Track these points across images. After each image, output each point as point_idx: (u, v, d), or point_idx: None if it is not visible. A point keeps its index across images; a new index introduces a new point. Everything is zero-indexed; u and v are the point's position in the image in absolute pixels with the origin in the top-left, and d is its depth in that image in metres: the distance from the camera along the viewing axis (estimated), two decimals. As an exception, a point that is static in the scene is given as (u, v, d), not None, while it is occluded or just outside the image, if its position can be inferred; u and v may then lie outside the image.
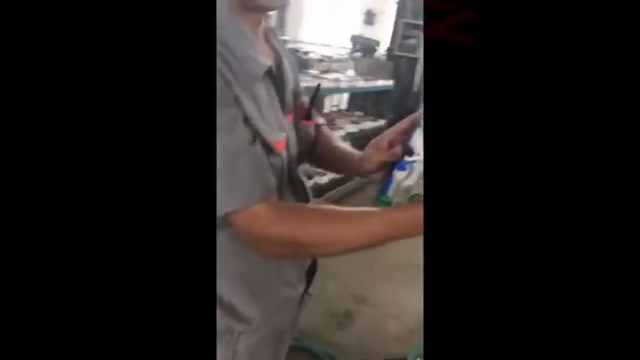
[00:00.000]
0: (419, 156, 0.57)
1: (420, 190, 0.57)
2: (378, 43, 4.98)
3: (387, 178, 0.60)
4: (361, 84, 3.27)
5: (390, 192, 0.60)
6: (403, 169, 0.59)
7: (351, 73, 3.52)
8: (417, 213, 0.49)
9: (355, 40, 4.90)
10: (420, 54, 4.22)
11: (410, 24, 4.37)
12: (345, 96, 4.11)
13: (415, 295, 2.00)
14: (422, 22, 4.22)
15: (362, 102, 3.90)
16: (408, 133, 0.59)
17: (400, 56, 4.38)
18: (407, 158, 0.58)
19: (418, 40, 4.27)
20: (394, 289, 2.03)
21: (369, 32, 5.22)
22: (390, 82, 3.65)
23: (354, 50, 4.92)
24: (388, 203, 0.60)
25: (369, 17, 5.53)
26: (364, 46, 4.82)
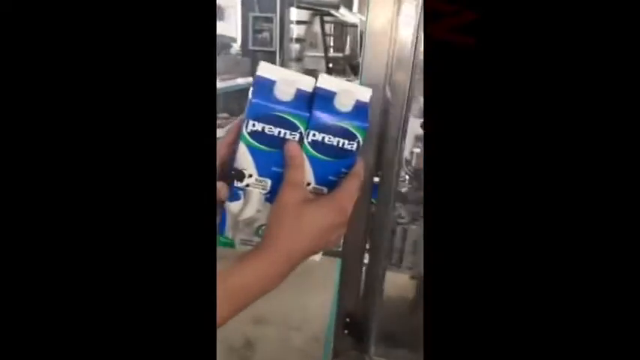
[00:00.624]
0: (251, 178, 0.45)
1: (265, 220, 0.46)
2: (234, 40, 4.76)
3: (222, 212, 0.47)
4: (219, 85, 3.06)
5: (228, 230, 0.48)
6: (236, 198, 0.46)
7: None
8: (258, 264, 0.39)
9: (206, 37, 4.61)
10: (275, 46, 4.14)
11: (260, 17, 4.26)
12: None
13: (312, 300, 1.92)
14: (272, 15, 4.26)
15: (225, 103, 3.69)
16: (234, 147, 0.45)
17: (256, 51, 4.24)
18: (237, 184, 0.45)
19: (271, 33, 4.19)
20: (290, 299, 1.91)
21: (222, 28, 4.97)
22: (250, 79, 3.51)
23: (207, 49, 4.63)
24: (230, 244, 0.48)
25: (219, 12, 5.24)
26: (218, 44, 4.56)
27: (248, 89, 0.44)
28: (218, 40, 4.49)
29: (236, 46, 4.59)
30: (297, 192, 0.42)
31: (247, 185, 0.46)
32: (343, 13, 3.82)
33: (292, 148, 0.43)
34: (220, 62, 3.74)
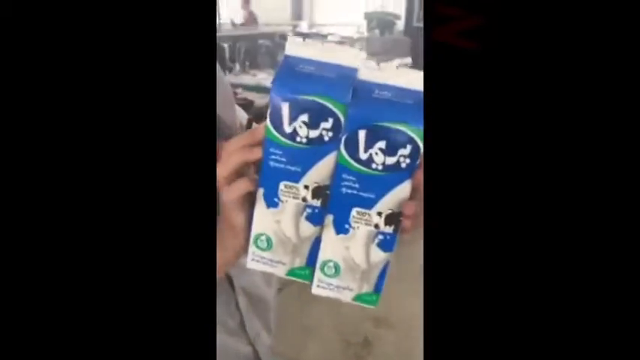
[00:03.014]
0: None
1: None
2: (398, 17, 4.58)
3: None
4: (374, 67, 3.00)
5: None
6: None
7: (362, 55, 3.25)
8: None
9: (370, 16, 4.56)
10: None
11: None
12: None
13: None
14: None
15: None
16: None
17: (421, 28, 3.99)
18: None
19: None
20: (417, 303, 1.79)
21: (391, 6, 4.83)
22: (408, 60, 3.33)
23: (370, 28, 4.59)
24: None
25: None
26: (381, 22, 4.46)
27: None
28: (380, 18, 4.38)
29: (400, 24, 4.41)
30: None
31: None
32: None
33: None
34: (377, 43, 3.66)
